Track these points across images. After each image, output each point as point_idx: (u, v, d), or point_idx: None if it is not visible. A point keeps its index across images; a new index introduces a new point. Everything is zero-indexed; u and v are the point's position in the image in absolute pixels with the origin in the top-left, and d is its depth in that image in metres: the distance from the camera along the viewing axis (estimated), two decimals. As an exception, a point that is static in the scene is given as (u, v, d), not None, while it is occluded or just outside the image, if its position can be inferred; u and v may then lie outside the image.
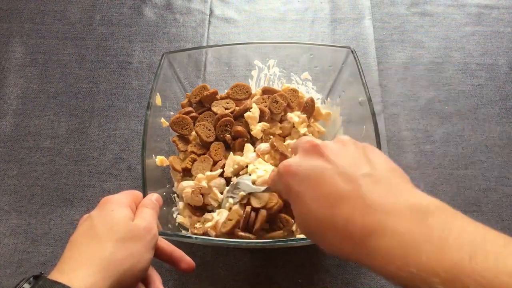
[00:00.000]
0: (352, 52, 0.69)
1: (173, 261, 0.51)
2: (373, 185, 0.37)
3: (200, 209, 0.65)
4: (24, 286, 0.40)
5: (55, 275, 0.40)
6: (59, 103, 0.83)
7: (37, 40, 0.90)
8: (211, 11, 0.93)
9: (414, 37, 0.90)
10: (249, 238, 0.60)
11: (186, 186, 0.64)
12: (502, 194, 0.73)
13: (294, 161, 0.42)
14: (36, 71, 0.87)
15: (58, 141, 0.79)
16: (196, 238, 0.58)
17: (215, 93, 0.72)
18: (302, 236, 0.61)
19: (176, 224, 0.64)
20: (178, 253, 0.52)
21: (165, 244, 0.51)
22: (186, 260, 0.52)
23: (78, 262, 0.42)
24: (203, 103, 0.72)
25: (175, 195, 0.68)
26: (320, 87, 0.75)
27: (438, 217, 0.33)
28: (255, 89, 0.77)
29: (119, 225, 0.45)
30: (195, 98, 0.72)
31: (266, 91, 0.72)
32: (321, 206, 0.38)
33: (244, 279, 0.67)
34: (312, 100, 0.71)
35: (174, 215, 0.65)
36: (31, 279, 0.41)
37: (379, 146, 0.60)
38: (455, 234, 0.31)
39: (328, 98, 0.75)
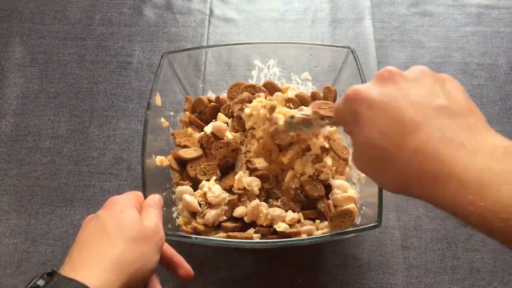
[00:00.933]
0: (352, 52, 0.69)
1: (172, 266, 0.51)
2: (449, 120, 0.35)
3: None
4: (38, 283, 0.40)
5: (67, 272, 0.41)
6: (59, 103, 0.83)
7: (37, 40, 0.90)
8: (211, 11, 0.93)
9: (414, 37, 0.90)
10: (251, 238, 0.61)
11: (184, 191, 0.65)
12: None
13: (364, 86, 0.39)
14: (36, 71, 0.87)
15: (58, 141, 0.79)
16: (196, 238, 0.58)
17: (216, 108, 0.72)
18: (302, 236, 0.61)
19: (176, 224, 0.64)
20: (178, 258, 0.52)
21: (166, 247, 0.51)
22: (185, 267, 0.51)
23: (90, 260, 0.42)
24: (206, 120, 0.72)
25: (175, 195, 0.68)
26: (320, 87, 0.75)
27: None
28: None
29: (129, 225, 0.46)
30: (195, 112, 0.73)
31: (268, 85, 0.72)
32: (388, 134, 0.36)
33: (244, 279, 0.67)
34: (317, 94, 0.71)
35: (174, 215, 0.65)
36: (45, 275, 0.41)
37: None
38: None
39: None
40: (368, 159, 0.39)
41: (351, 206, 0.61)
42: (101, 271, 0.41)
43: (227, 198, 0.63)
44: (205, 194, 0.64)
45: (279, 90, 0.73)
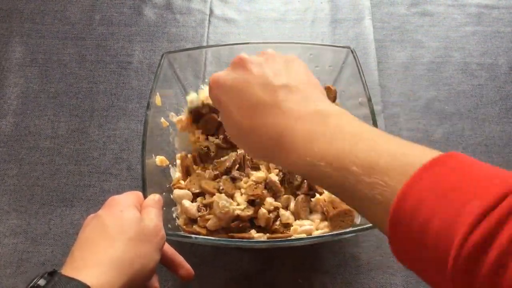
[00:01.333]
0: (352, 52, 0.69)
1: (173, 266, 0.51)
2: (288, 95, 0.41)
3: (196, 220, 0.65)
4: (39, 282, 0.40)
5: (68, 271, 0.41)
6: (59, 103, 0.83)
7: (37, 40, 0.90)
8: (211, 11, 0.93)
9: (414, 37, 0.90)
10: (251, 238, 0.61)
11: (183, 196, 0.65)
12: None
13: (221, 73, 0.46)
14: (36, 71, 0.87)
15: (58, 141, 0.79)
16: (196, 238, 0.58)
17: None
18: (302, 236, 0.61)
19: (176, 224, 0.64)
20: (179, 258, 0.52)
21: (166, 248, 0.51)
22: (186, 267, 0.52)
23: (91, 260, 0.42)
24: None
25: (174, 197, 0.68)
26: (320, 87, 0.75)
27: (335, 119, 0.39)
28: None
29: (130, 225, 0.46)
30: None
31: None
32: (243, 115, 0.42)
33: (244, 279, 0.67)
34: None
35: (174, 215, 0.65)
36: (46, 275, 0.41)
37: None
38: (345, 130, 0.37)
39: (328, 98, 0.76)
40: (236, 137, 0.45)
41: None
42: (102, 271, 0.41)
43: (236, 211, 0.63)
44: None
45: None
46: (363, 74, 0.66)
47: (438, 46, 0.88)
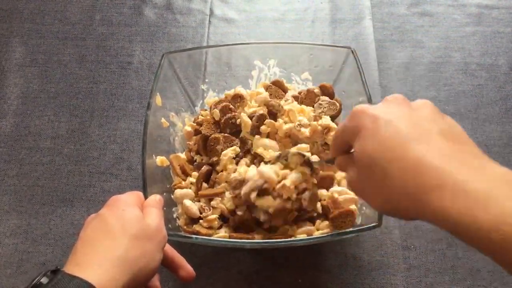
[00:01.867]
0: (352, 52, 0.69)
1: (173, 267, 0.51)
2: (450, 142, 0.36)
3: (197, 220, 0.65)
4: (42, 280, 0.40)
5: (71, 269, 0.41)
6: (60, 103, 0.83)
7: (37, 40, 0.90)
8: (211, 11, 0.93)
9: (414, 37, 0.90)
10: (253, 238, 0.61)
11: (185, 195, 0.65)
12: None
13: (371, 105, 0.41)
14: (36, 71, 0.87)
15: (58, 141, 0.79)
16: (196, 238, 0.58)
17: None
18: (302, 236, 0.61)
19: (177, 224, 0.64)
20: (179, 259, 0.52)
21: (167, 248, 0.51)
22: (187, 268, 0.51)
23: (94, 258, 0.42)
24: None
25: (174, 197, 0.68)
26: (320, 87, 0.75)
27: None
28: (255, 89, 0.77)
29: (132, 224, 0.46)
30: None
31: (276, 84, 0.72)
32: (387, 146, 0.37)
33: (244, 279, 0.67)
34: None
35: (175, 215, 0.65)
36: (49, 273, 0.41)
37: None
38: None
39: (328, 98, 0.76)
40: (363, 173, 0.40)
41: (352, 207, 0.61)
42: (105, 269, 0.41)
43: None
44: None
45: (285, 90, 0.73)
46: (363, 74, 0.66)
47: (438, 46, 0.88)
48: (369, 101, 0.64)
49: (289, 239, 0.61)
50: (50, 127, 0.81)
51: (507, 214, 0.30)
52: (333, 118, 0.69)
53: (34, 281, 0.40)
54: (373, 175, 0.38)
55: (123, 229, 0.45)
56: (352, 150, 0.42)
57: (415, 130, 0.37)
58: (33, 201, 0.74)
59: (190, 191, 0.65)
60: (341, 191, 0.64)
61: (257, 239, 0.61)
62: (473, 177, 0.33)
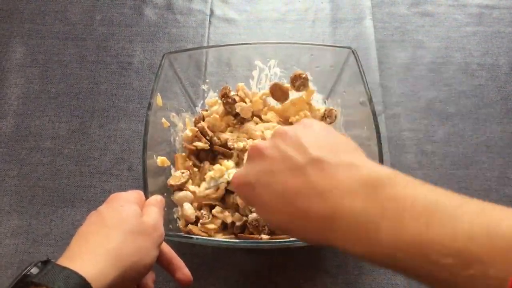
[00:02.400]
0: (353, 52, 0.69)
1: (172, 268, 0.51)
2: (319, 171, 0.37)
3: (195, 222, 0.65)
4: (32, 270, 0.40)
5: (63, 261, 0.41)
6: (60, 103, 0.83)
7: (37, 41, 0.90)
8: (212, 12, 0.93)
9: (415, 37, 0.90)
10: (255, 238, 0.61)
11: (185, 198, 0.65)
12: (502, 194, 0.73)
13: (240, 173, 0.44)
14: (36, 71, 0.87)
15: (59, 142, 0.79)
16: (196, 238, 0.58)
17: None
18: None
19: (177, 225, 0.64)
20: (178, 261, 0.52)
21: (166, 248, 0.51)
22: (184, 271, 0.51)
23: (87, 250, 0.42)
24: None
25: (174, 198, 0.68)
26: (321, 87, 0.75)
27: (390, 189, 0.33)
28: (256, 89, 0.77)
29: (129, 219, 0.46)
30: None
31: (275, 87, 0.72)
32: (280, 209, 0.39)
33: (245, 279, 0.67)
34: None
35: (175, 216, 0.65)
36: (39, 264, 0.41)
37: (379, 146, 0.60)
38: (409, 206, 0.31)
39: (329, 99, 0.75)
40: (275, 226, 0.45)
41: None
42: (96, 261, 0.41)
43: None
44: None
45: (287, 93, 0.72)
46: (364, 75, 0.66)
47: (439, 46, 0.88)
48: (370, 101, 0.64)
49: (289, 239, 0.61)
50: (50, 127, 0.81)
51: (375, 236, 0.32)
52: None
53: (25, 271, 0.40)
54: (287, 231, 0.41)
55: (118, 223, 0.45)
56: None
57: (288, 172, 0.38)
58: (34, 201, 0.74)
59: (189, 194, 0.65)
60: None
61: (257, 240, 0.61)
62: (345, 194, 0.35)
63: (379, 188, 0.33)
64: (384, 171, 0.35)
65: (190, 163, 0.69)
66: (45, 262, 0.41)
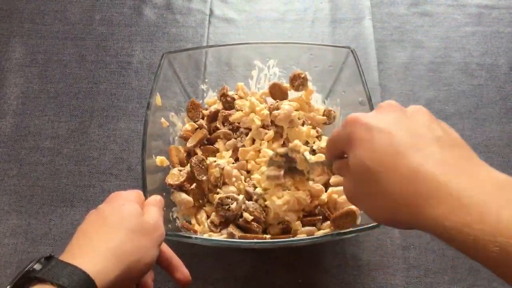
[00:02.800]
0: (352, 52, 0.69)
1: (170, 268, 0.51)
2: (445, 148, 0.35)
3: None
4: (35, 266, 0.40)
5: (66, 258, 0.41)
6: (59, 103, 0.83)
7: (37, 40, 0.90)
8: (211, 11, 0.93)
9: (414, 37, 0.90)
10: (257, 238, 0.61)
11: (184, 202, 0.65)
12: None
13: (365, 113, 0.40)
14: (36, 71, 0.87)
15: (58, 141, 0.79)
16: (196, 238, 0.58)
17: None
18: (302, 236, 0.61)
19: (176, 224, 0.64)
20: (177, 261, 0.52)
21: (165, 248, 0.51)
22: (183, 271, 0.51)
23: (89, 248, 0.42)
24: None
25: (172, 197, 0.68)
26: (320, 87, 0.75)
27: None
28: (255, 89, 0.77)
29: (130, 218, 0.46)
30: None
31: (275, 87, 0.72)
32: (382, 155, 0.36)
33: (244, 279, 0.67)
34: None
35: (175, 215, 0.65)
36: (42, 259, 0.41)
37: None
38: None
39: (328, 98, 0.76)
40: (358, 183, 0.39)
41: (354, 207, 0.61)
42: (99, 258, 0.41)
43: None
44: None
45: (286, 93, 0.72)
46: (363, 74, 0.66)
47: (438, 46, 0.88)
48: (369, 101, 0.64)
49: (289, 239, 0.61)
50: (50, 127, 0.81)
51: (503, 224, 0.30)
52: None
53: (28, 267, 0.40)
54: (368, 184, 0.38)
55: (120, 222, 0.45)
56: (345, 156, 0.42)
57: (410, 139, 0.36)
58: (33, 201, 0.74)
59: (190, 199, 0.65)
60: (340, 191, 0.64)
61: (257, 240, 0.61)
62: (468, 185, 0.32)
63: (507, 183, 0.33)
64: (504, 175, 0.34)
65: (184, 154, 0.69)
66: (48, 258, 0.41)
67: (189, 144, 0.70)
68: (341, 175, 0.46)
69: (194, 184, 0.65)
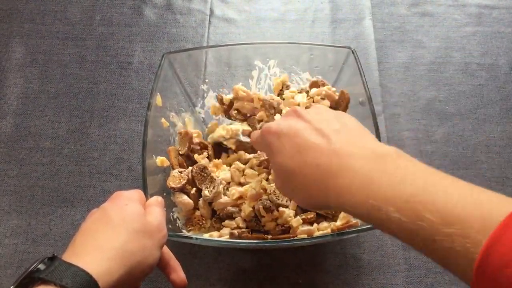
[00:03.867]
0: (352, 52, 0.69)
1: (168, 270, 0.51)
2: (340, 136, 0.42)
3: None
4: (39, 267, 0.40)
5: (69, 258, 0.41)
6: (60, 103, 0.83)
7: (37, 41, 0.90)
8: (212, 11, 0.93)
9: (415, 37, 0.90)
10: (258, 238, 0.61)
11: (185, 204, 0.65)
12: (502, 194, 0.73)
13: (274, 122, 0.47)
14: (36, 71, 0.86)
15: (58, 142, 0.79)
16: (196, 238, 0.58)
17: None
18: (303, 236, 0.61)
19: (177, 225, 0.64)
20: (175, 263, 0.52)
21: (164, 249, 0.51)
22: (180, 273, 0.51)
23: (92, 248, 0.42)
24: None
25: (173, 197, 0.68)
26: (320, 87, 0.75)
27: (396, 159, 0.39)
28: (255, 89, 0.77)
29: (133, 218, 0.46)
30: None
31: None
32: (295, 155, 0.43)
33: (244, 279, 0.67)
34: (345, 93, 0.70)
35: (175, 216, 0.65)
36: (46, 260, 0.41)
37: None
38: (410, 172, 0.37)
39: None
40: (282, 181, 0.46)
41: (355, 220, 0.61)
42: (103, 259, 0.41)
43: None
44: None
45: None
46: (363, 74, 0.66)
47: (439, 46, 0.88)
48: (370, 101, 0.64)
49: (289, 239, 0.61)
50: (50, 127, 0.81)
51: (375, 188, 0.37)
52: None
53: (32, 267, 0.40)
54: (289, 181, 0.44)
55: (123, 222, 0.45)
56: None
57: (314, 132, 0.43)
58: (33, 201, 0.74)
59: (190, 201, 0.65)
60: None
61: (257, 240, 0.61)
62: (358, 157, 0.39)
63: (386, 157, 0.39)
64: (393, 148, 0.40)
65: (184, 150, 0.69)
66: (52, 259, 0.41)
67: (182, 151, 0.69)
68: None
69: (194, 189, 0.65)
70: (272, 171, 0.49)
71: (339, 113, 0.47)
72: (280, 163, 0.44)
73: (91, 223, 0.46)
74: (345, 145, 0.41)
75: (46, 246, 0.70)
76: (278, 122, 0.47)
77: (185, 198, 0.64)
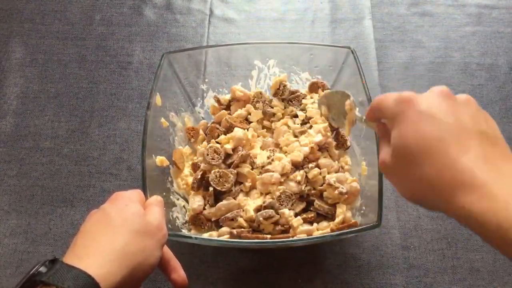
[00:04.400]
0: (352, 52, 0.69)
1: (168, 270, 0.51)
2: (486, 144, 0.37)
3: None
4: (40, 269, 0.40)
5: (70, 260, 0.41)
6: (59, 103, 0.83)
7: (37, 40, 0.90)
8: (211, 11, 0.93)
9: (414, 37, 0.90)
10: (258, 238, 0.61)
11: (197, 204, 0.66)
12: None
13: (417, 96, 0.41)
14: (36, 71, 0.87)
15: (58, 141, 0.79)
16: (196, 238, 0.58)
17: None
18: (302, 236, 0.61)
19: (176, 224, 0.64)
20: (175, 262, 0.51)
21: (165, 249, 0.51)
22: (180, 273, 0.51)
23: (93, 250, 0.42)
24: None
25: (176, 196, 0.68)
26: (320, 87, 0.75)
27: None
28: (255, 89, 0.77)
29: (134, 219, 0.46)
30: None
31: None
32: (426, 139, 0.38)
33: (244, 279, 0.67)
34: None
35: (175, 215, 0.65)
36: (47, 262, 0.41)
37: (379, 146, 0.60)
38: None
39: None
40: (397, 161, 0.40)
41: (355, 220, 0.62)
42: (104, 261, 0.41)
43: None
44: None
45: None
46: (363, 74, 0.66)
47: (438, 46, 0.88)
48: (369, 101, 0.64)
49: (289, 239, 0.61)
50: (50, 127, 0.81)
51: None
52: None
53: (33, 270, 0.40)
54: (408, 165, 0.39)
55: (124, 223, 0.45)
56: (383, 120, 0.44)
57: (456, 128, 0.38)
58: (33, 201, 0.74)
59: (202, 205, 0.66)
60: (338, 177, 0.64)
61: (257, 240, 0.61)
62: (498, 180, 0.35)
63: None
64: None
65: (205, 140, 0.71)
66: (53, 261, 0.41)
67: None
68: (380, 140, 0.47)
69: (211, 188, 0.66)
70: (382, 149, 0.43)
71: (484, 112, 0.41)
72: (408, 139, 0.39)
73: (92, 225, 0.46)
74: (490, 154, 0.37)
75: (45, 246, 0.70)
76: (423, 97, 0.41)
77: (198, 199, 0.65)
